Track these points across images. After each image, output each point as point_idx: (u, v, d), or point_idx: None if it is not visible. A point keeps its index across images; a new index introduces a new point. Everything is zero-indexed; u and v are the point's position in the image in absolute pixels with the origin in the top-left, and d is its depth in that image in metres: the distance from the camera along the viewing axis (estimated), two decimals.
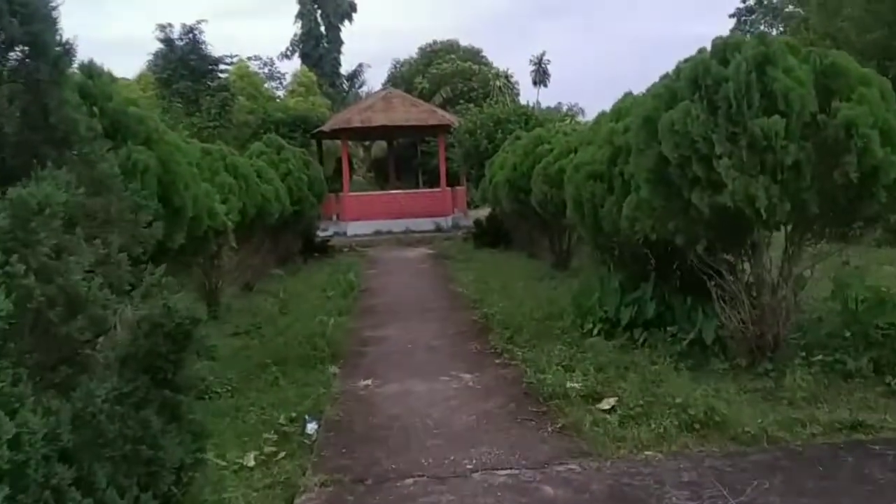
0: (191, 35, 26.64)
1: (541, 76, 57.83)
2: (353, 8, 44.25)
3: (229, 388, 6.77)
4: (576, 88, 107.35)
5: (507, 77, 42.47)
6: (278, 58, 42.85)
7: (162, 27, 26.52)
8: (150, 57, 26.61)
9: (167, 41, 26.61)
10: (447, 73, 40.26)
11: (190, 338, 2.82)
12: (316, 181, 17.55)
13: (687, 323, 7.35)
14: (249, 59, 38.11)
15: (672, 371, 6.36)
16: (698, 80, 5.74)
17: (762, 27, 46.76)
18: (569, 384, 6.18)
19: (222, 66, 27.35)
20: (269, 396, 6.49)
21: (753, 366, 6.31)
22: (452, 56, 41.81)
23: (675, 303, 7.55)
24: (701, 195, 5.69)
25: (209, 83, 26.24)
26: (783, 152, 5.34)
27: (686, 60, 6.09)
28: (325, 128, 24.42)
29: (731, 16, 50.06)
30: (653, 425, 5.16)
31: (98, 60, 5.87)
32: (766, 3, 49.04)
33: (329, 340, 8.45)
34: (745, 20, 49.35)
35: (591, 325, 8.15)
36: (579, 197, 8.18)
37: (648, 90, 6.82)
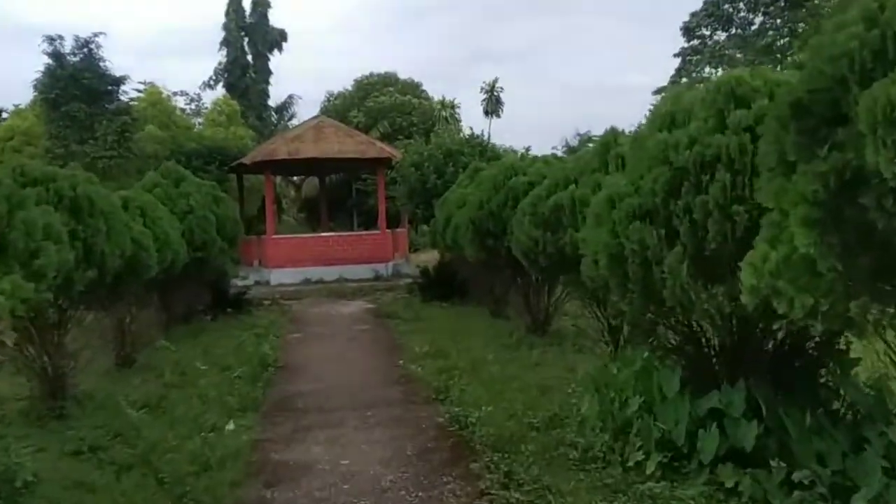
0: (86, 49, 22.83)
1: (493, 105, 54.23)
2: (283, 37, 41.04)
3: None
4: (515, 134, 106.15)
5: (453, 106, 39.79)
6: (200, 88, 39.27)
7: (51, 39, 22.66)
8: (39, 75, 22.71)
9: (56, 55, 22.65)
10: (385, 106, 37.38)
11: None
12: (228, 221, 14.18)
13: (813, 459, 4.36)
14: (175, 94, 34.53)
15: None
16: None
17: (707, 69, 45.57)
18: None
19: (126, 88, 23.58)
20: None
21: None
22: (391, 89, 38.97)
23: (789, 422, 4.54)
24: None
25: (107, 105, 22.47)
26: None
27: None
28: (247, 160, 21.04)
29: (676, 55, 48.59)
30: None
31: None
32: (709, 44, 47.83)
33: (210, 483, 5.14)
34: (690, 60, 48.02)
35: (640, 455, 5.06)
36: (618, 247, 5.14)
37: None
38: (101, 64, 22.90)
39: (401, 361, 9.80)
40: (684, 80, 45.18)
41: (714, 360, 5.14)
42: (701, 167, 4.72)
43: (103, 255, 7.29)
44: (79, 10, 58.89)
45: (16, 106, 26.91)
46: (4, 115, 28.45)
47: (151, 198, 10.50)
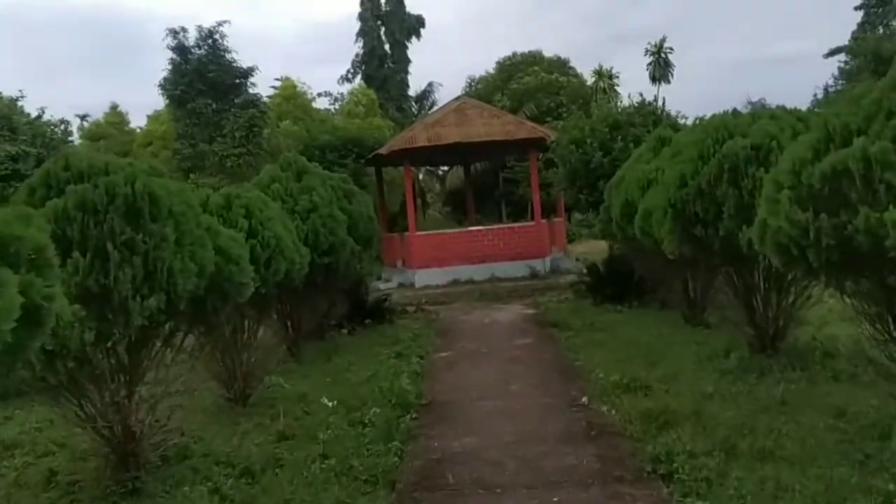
0: (210, 41, 21.59)
1: (661, 69, 47.01)
2: (421, 23, 39.13)
3: None
4: (683, 106, 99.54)
5: (611, 76, 36.20)
6: (338, 82, 38.10)
7: (174, 32, 21.49)
8: (166, 72, 21.70)
9: (180, 49, 21.52)
10: (530, 87, 34.58)
11: None
12: (362, 219, 12.08)
13: None
14: (320, 95, 33.33)
15: None
16: None
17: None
18: None
19: (254, 80, 22.16)
20: None
21: None
22: (535, 68, 36.13)
23: None
24: None
25: (235, 100, 21.14)
26: None
27: None
28: (384, 150, 19.06)
29: (857, 8, 42.62)
30: None
31: None
32: None
33: None
34: (875, 11, 41.90)
35: None
36: None
37: None
38: (227, 56, 21.65)
39: (584, 399, 7.20)
40: (870, 34, 39.57)
41: None
42: None
43: (170, 272, 5.19)
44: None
45: (158, 112, 26.44)
46: (133, 124, 28.16)
47: (260, 195, 8.47)
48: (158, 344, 5.91)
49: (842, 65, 37.95)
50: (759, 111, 7.88)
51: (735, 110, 7.97)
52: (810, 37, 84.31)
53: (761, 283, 7.96)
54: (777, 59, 73.44)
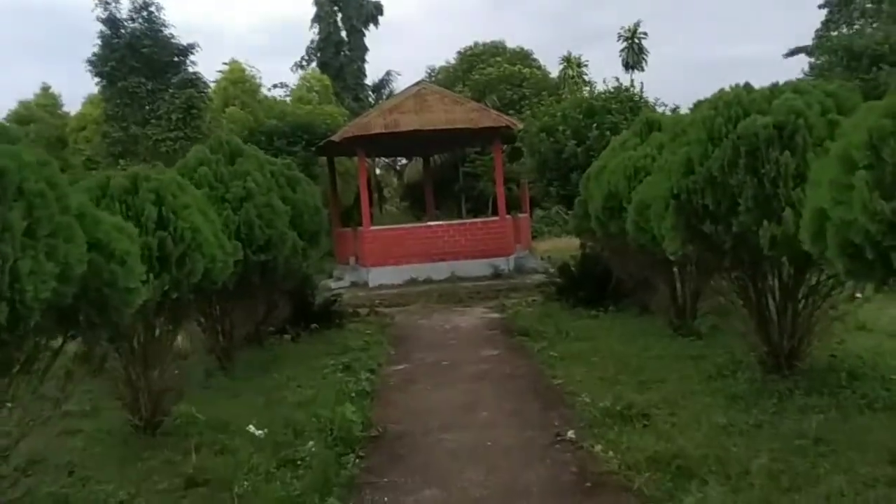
0: (145, 13, 19.50)
1: (635, 56, 44.39)
2: (379, 10, 37.49)
3: None
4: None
5: (580, 65, 34.82)
6: (292, 69, 36.25)
7: (105, 2, 19.44)
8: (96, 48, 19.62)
9: (111, 22, 19.40)
10: (492, 78, 33.23)
11: None
12: (308, 210, 10.55)
13: None
14: (275, 86, 31.41)
15: None
16: None
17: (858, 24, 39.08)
18: None
19: (194, 59, 20.17)
20: None
21: None
22: (498, 59, 34.79)
23: None
24: None
25: (172, 78, 19.21)
26: None
27: None
28: (336, 137, 17.50)
29: (821, 6, 42.26)
30: None
31: None
32: None
33: None
34: (838, 10, 41.52)
35: None
36: None
37: None
38: (164, 31, 19.74)
39: (570, 433, 5.83)
40: (834, 33, 39.19)
41: None
42: None
43: (15, 274, 3.69)
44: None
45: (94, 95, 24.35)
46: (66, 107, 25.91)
47: (176, 177, 6.94)
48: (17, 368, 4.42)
49: (805, 65, 37.41)
50: (778, 86, 6.61)
51: (748, 84, 6.66)
52: (765, 42, 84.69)
53: (775, 290, 6.72)
54: (733, 61, 73.32)
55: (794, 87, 6.35)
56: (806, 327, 6.72)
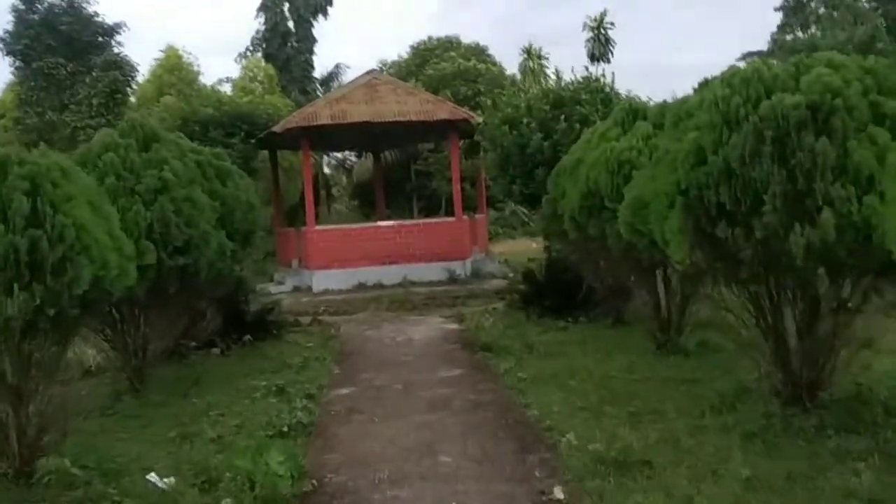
0: None
1: (601, 47, 42.17)
2: (328, 0, 36.06)
3: None
4: None
5: (540, 56, 33.59)
6: (235, 60, 34.48)
7: None
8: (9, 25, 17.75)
9: None
10: (447, 74, 31.97)
11: None
12: (240, 207, 9.15)
13: None
14: (222, 81, 29.65)
15: None
16: None
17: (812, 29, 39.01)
18: None
19: (121, 39, 18.34)
20: None
21: None
22: (452, 54, 33.56)
23: None
24: None
25: (94, 60, 17.38)
26: None
27: None
28: (279, 128, 16.03)
29: (777, 9, 42.24)
30: None
31: None
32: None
33: None
34: (793, 13, 41.51)
35: None
36: None
37: None
38: (86, 8, 17.96)
39: (558, 490, 4.59)
40: (789, 36, 39.09)
41: None
42: None
43: None
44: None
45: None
46: None
47: (59, 161, 5.50)
48: None
49: None
50: (804, 59, 5.51)
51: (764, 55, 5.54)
52: (710, 49, 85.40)
53: (796, 307, 5.60)
54: (682, 68, 73.56)
55: (829, 61, 5.22)
56: (830, 350, 5.61)
